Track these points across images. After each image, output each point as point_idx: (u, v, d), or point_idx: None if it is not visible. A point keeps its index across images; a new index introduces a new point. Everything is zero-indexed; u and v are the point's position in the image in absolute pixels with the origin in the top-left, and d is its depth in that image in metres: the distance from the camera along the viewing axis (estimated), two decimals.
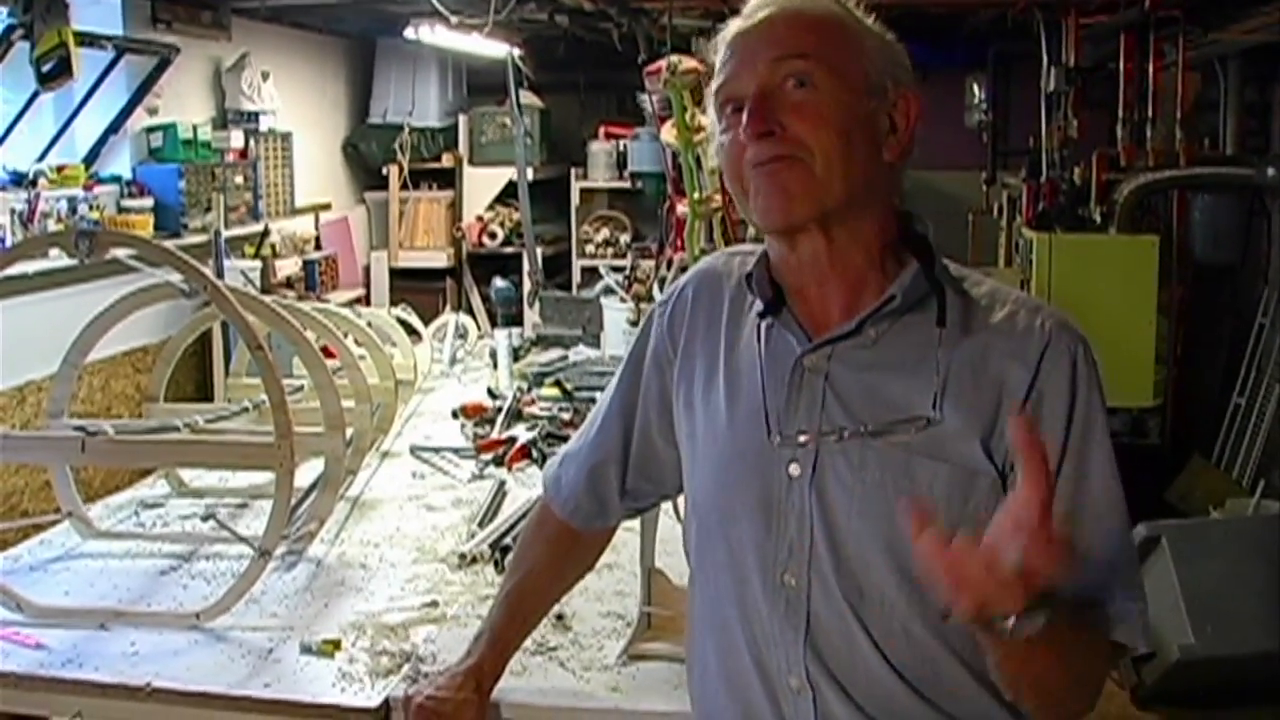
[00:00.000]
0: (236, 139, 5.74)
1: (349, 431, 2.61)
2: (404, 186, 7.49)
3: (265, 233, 5.91)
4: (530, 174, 6.85)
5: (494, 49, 6.08)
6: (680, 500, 1.64)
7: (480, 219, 7.56)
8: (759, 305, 1.44)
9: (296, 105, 6.55)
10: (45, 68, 4.17)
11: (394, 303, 4.93)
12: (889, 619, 1.33)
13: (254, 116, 5.95)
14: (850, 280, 1.39)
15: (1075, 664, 1.26)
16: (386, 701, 1.85)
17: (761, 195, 1.34)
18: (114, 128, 5.11)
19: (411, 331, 3.85)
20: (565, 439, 3.21)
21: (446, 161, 7.51)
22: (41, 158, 4.86)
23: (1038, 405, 1.32)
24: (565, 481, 1.72)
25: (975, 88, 7.35)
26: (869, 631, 1.34)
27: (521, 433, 3.28)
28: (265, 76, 6.00)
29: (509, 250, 7.48)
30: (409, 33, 5.52)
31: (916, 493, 1.31)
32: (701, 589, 1.51)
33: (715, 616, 1.47)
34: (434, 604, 2.20)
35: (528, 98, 7.18)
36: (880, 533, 1.32)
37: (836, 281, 1.39)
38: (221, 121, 5.82)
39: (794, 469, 1.37)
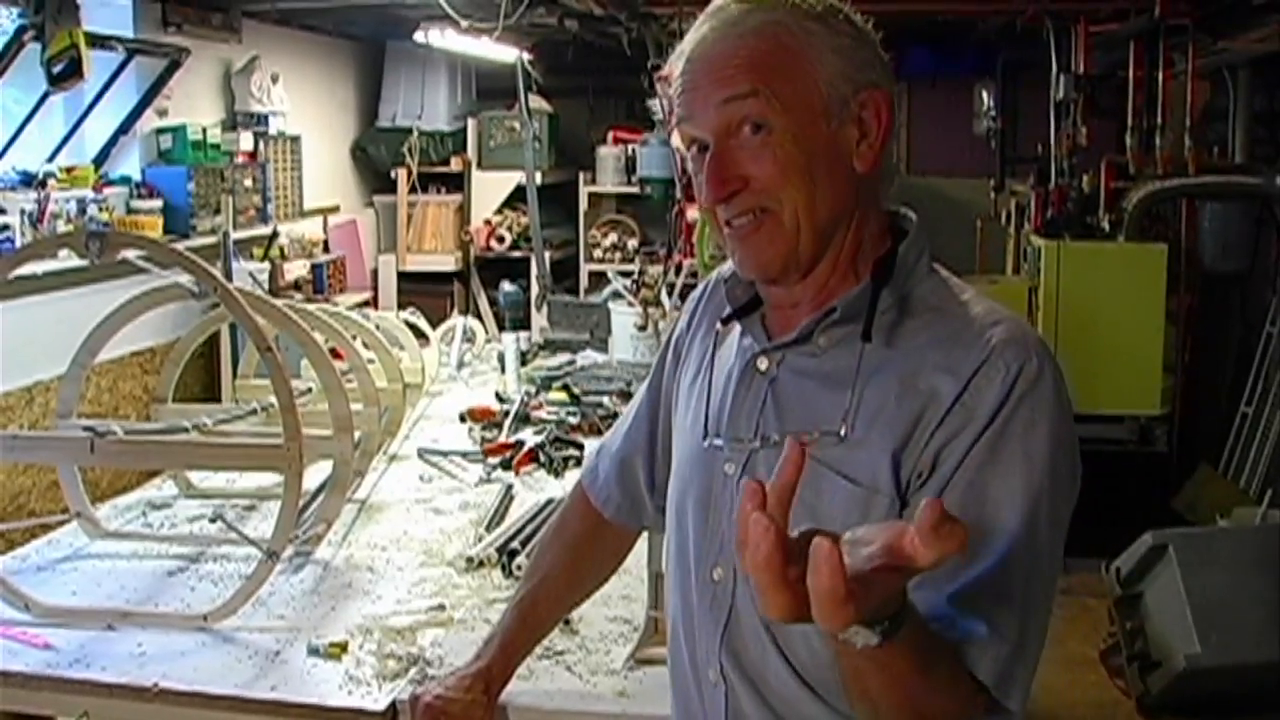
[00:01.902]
0: (246, 141, 5.75)
1: (357, 434, 2.61)
2: (412, 190, 7.49)
3: (274, 235, 5.91)
4: (539, 178, 6.85)
5: (503, 53, 6.09)
6: None
7: (488, 223, 7.57)
8: (726, 309, 1.45)
9: (306, 108, 6.56)
10: (56, 69, 4.18)
11: (402, 306, 4.94)
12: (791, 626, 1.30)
13: (263, 119, 5.97)
14: (820, 293, 1.36)
15: (913, 690, 1.14)
16: (393, 705, 1.85)
17: (735, 253, 1.35)
18: (124, 129, 5.13)
19: (419, 335, 3.85)
20: (573, 443, 3.25)
21: (455, 165, 7.51)
22: (51, 158, 4.87)
23: (958, 419, 1.24)
24: (601, 472, 1.75)
25: (984, 95, 7.34)
26: (773, 635, 1.34)
27: (529, 437, 3.28)
28: (275, 79, 6.01)
29: (517, 254, 7.49)
30: (419, 36, 5.53)
31: (819, 507, 1.27)
32: (668, 582, 1.56)
33: (672, 606, 1.51)
34: (441, 607, 2.20)
35: (537, 102, 7.18)
36: None
37: (807, 296, 1.37)
38: (231, 124, 5.83)
39: (729, 468, 1.38)
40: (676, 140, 3.95)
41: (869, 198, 1.36)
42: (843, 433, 1.29)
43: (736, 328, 1.46)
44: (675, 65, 1.37)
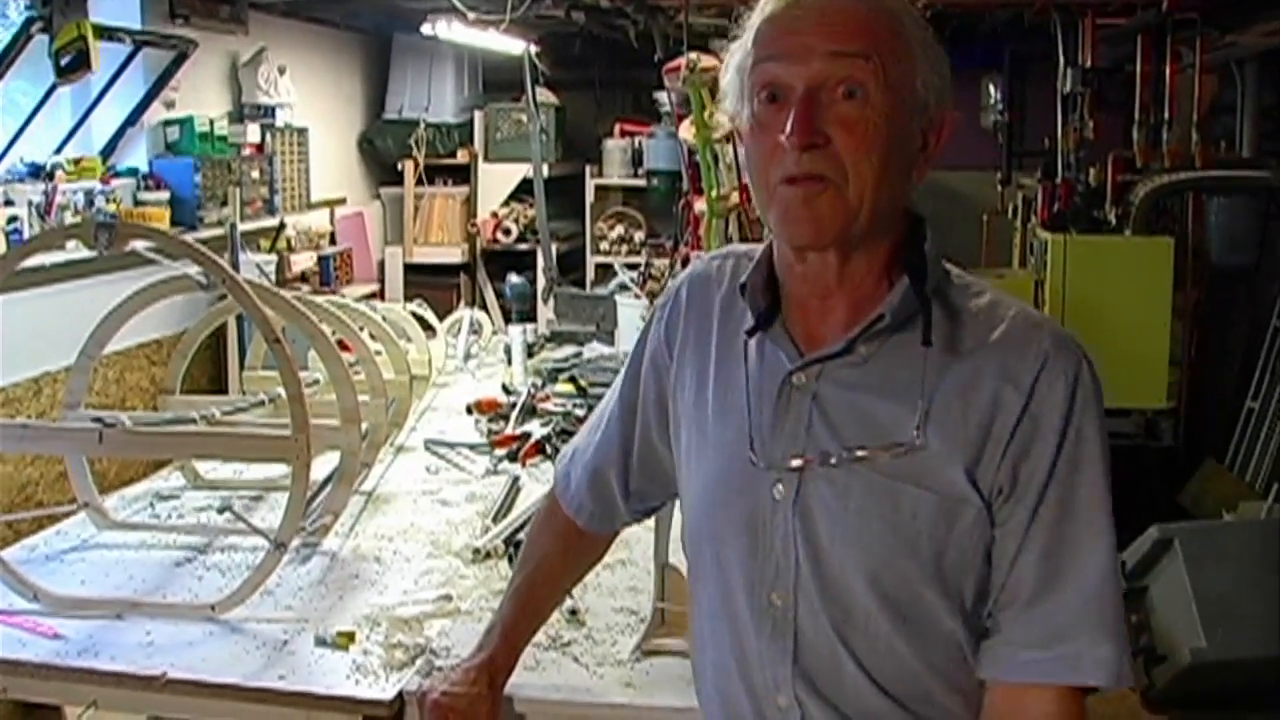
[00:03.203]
0: (253, 133, 5.74)
1: (364, 425, 2.62)
2: (419, 182, 7.48)
3: (281, 227, 5.91)
4: (545, 170, 6.85)
5: (510, 45, 6.08)
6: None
7: (495, 215, 7.56)
8: (749, 321, 1.40)
9: (313, 100, 6.56)
10: (63, 61, 4.18)
11: (408, 298, 4.93)
12: (873, 638, 1.31)
13: (270, 111, 5.96)
14: (854, 297, 1.34)
15: None
16: (400, 694, 1.86)
17: (789, 213, 1.28)
18: (131, 121, 5.12)
19: (426, 327, 3.85)
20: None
21: (462, 157, 7.50)
22: (59, 150, 4.87)
23: (1028, 431, 1.27)
24: (573, 480, 1.71)
25: (991, 88, 7.32)
26: (854, 651, 1.32)
27: (536, 428, 3.29)
28: (282, 71, 6.00)
29: (523, 247, 7.48)
30: (426, 28, 5.52)
31: (900, 521, 1.29)
32: (697, 604, 1.50)
33: (707, 631, 1.46)
34: (448, 598, 2.21)
35: (544, 94, 7.18)
36: (861, 559, 1.30)
37: (840, 297, 1.35)
38: (238, 115, 5.82)
39: (779, 491, 1.34)
40: (684, 132, 3.95)
41: (907, 203, 1.36)
42: (917, 443, 1.28)
43: (740, 336, 1.42)
44: (755, 17, 1.33)
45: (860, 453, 1.30)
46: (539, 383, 3.83)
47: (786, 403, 1.36)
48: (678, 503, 1.92)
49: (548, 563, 1.75)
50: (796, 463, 1.33)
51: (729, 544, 1.39)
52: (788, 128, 1.25)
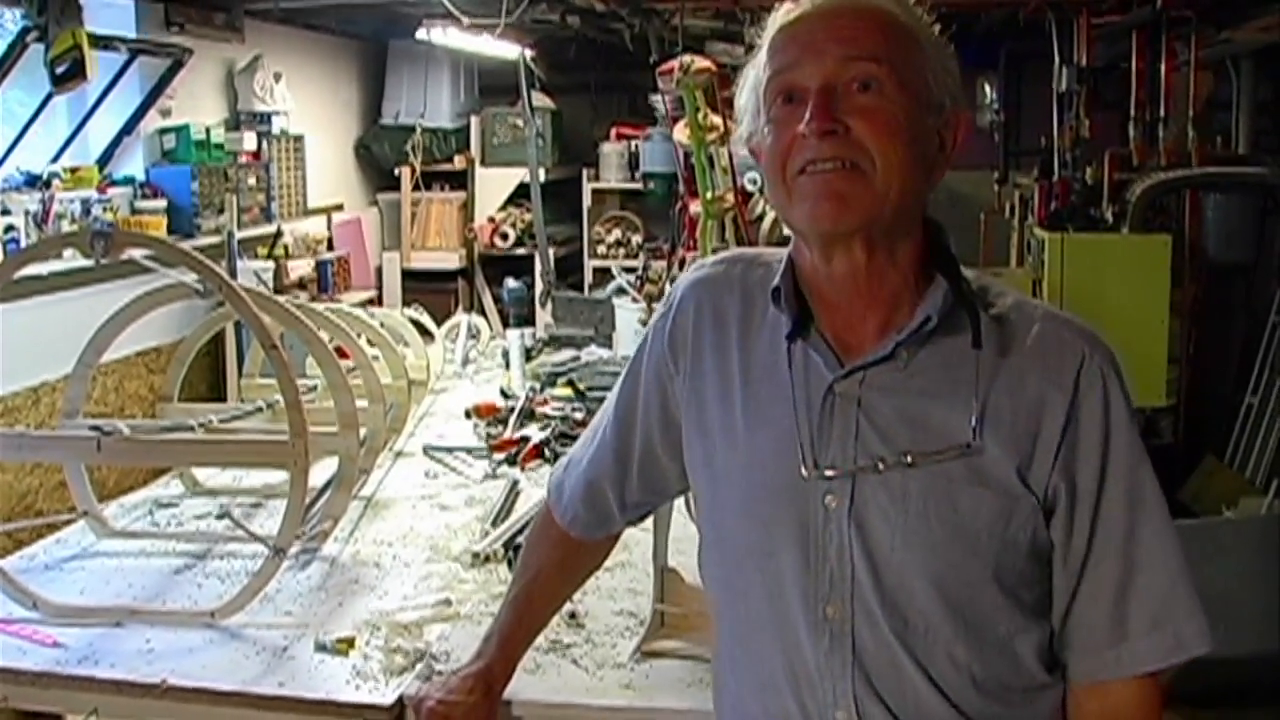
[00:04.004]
0: (249, 140, 5.75)
1: (362, 431, 2.62)
2: (416, 188, 7.50)
3: (278, 234, 5.92)
4: (542, 175, 6.85)
5: (506, 50, 6.09)
6: (691, 500, 1.63)
7: (492, 220, 7.57)
8: (786, 326, 1.38)
9: (309, 107, 6.56)
10: (59, 70, 4.18)
11: (406, 304, 4.94)
12: (934, 644, 1.31)
13: (266, 118, 5.97)
14: (884, 300, 1.34)
15: None
16: (401, 699, 1.86)
17: (810, 199, 1.28)
18: (127, 129, 5.13)
19: (424, 332, 3.85)
20: (577, 439, 3.24)
21: (459, 163, 7.51)
22: (55, 159, 4.88)
23: (1076, 430, 1.31)
24: (567, 490, 1.69)
25: (987, 87, 7.33)
26: (916, 658, 1.31)
27: (534, 432, 3.28)
28: (278, 78, 6.01)
29: (521, 251, 7.49)
30: (421, 34, 5.54)
31: (960, 521, 1.30)
32: (731, 623, 1.46)
33: (749, 652, 1.43)
34: (448, 602, 2.21)
35: (540, 99, 7.19)
36: (925, 562, 1.30)
37: (870, 300, 1.35)
38: (234, 123, 5.83)
39: (830, 501, 1.33)
40: (678, 136, 3.95)
41: (925, 206, 1.37)
42: (972, 444, 1.30)
43: (767, 343, 1.41)
44: (769, 30, 1.34)
45: (916, 457, 1.30)
46: (537, 387, 3.83)
47: (831, 411, 1.34)
48: (678, 504, 1.94)
49: (545, 572, 1.73)
50: (839, 470, 1.33)
51: (779, 559, 1.36)
52: (806, 117, 1.27)
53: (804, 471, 1.34)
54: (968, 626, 1.31)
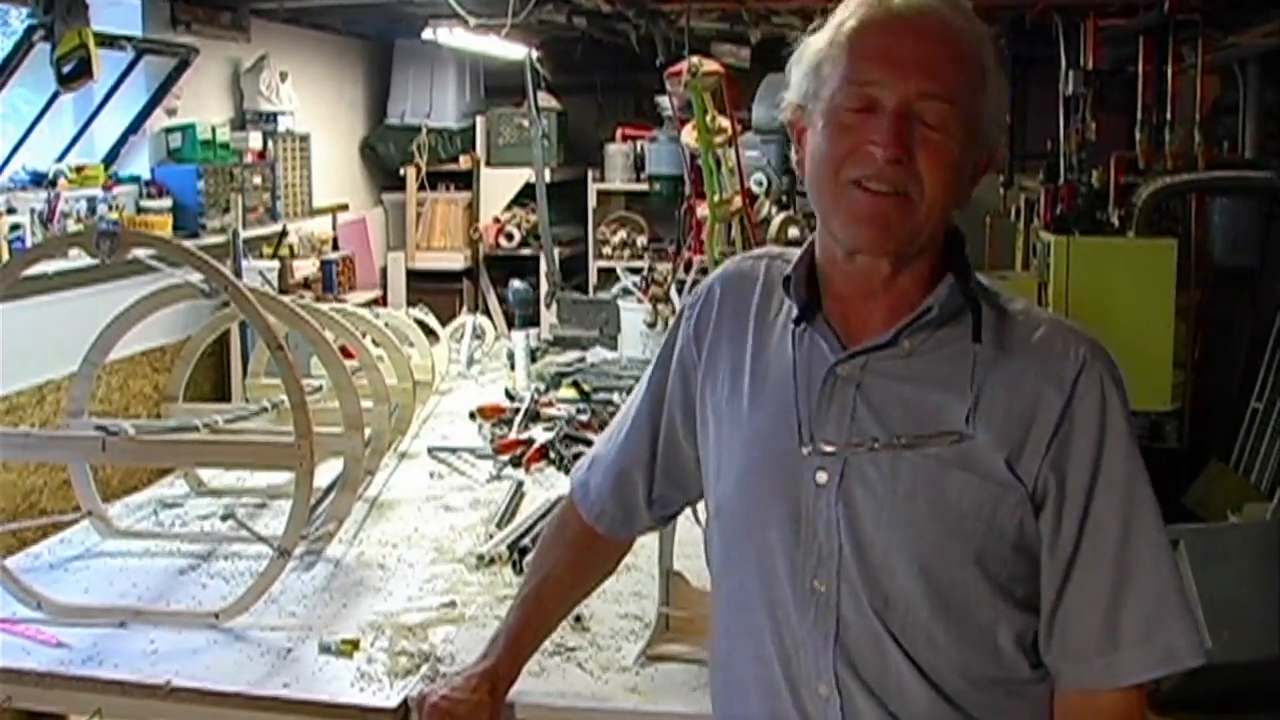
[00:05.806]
0: (255, 140, 5.75)
1: (367, 432, 2.62)
2: (421, 188, 7.49)
3: (283, 233, 5.92)
4: (548, 176, 6.85)
5: (512, 51, 6.09)
6: (700, 505, 1.63)
7: (497, 220, 7.57)
8: (794, 311, 1.43)
9: (314, 106, 6.56)
10: (65, 68, 4.18)
11: (411, 304, 4.93)
12: (913, 624, 1.34)
13: (272, 117, 5.97)
14: (896, 299, 1.39)
15: None
16: (405, 702, 1.86)
17: (857, 217, 1.34)
18: (133, 128, 5.13)
19: (429, 332, 3.85)
20: (583, 440, 3.25)
21: (464, 163, 7.50)
22: (61, 158, 4.88)
23: (1068, 428, 1.33)
24: (593, 486, 1.70)
25: None
26: (895, 636, 1.34)
27: (539, 434, 3.28)
28: (284, 77, 6.01)
29: (526, 252, 7.48)
30: (427, 34, 5.53)
31: (946, 504, 1.33)
32: (727, 596, 1.50)
33: (742, 623, 1.46)
34: (452, 604, 2.21)
35: (545, 99, 7.17)
36: (908, 541, 1.34)
37: (883, 299, 1.39)
38: (240, 122, 5.83)
39: (821, 476, 1.37)
40: (686, 137, 3.95)
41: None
42: (968, 432, 1.33)
43: (779, 330, 1.46)
44: (846, 22, 1.37)
45: (909, 439, 1.34)
46: (542, 388, 3.83)
47: (830, 392, 1.39)
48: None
49: (557, 574, 1.74)
50: (832, 447, 1.37)
51: (770, 532, 1.41)
52: (881, 138, 1.31)
53: (801, 449, 1.38)
54: (947, 609, 1.34)
